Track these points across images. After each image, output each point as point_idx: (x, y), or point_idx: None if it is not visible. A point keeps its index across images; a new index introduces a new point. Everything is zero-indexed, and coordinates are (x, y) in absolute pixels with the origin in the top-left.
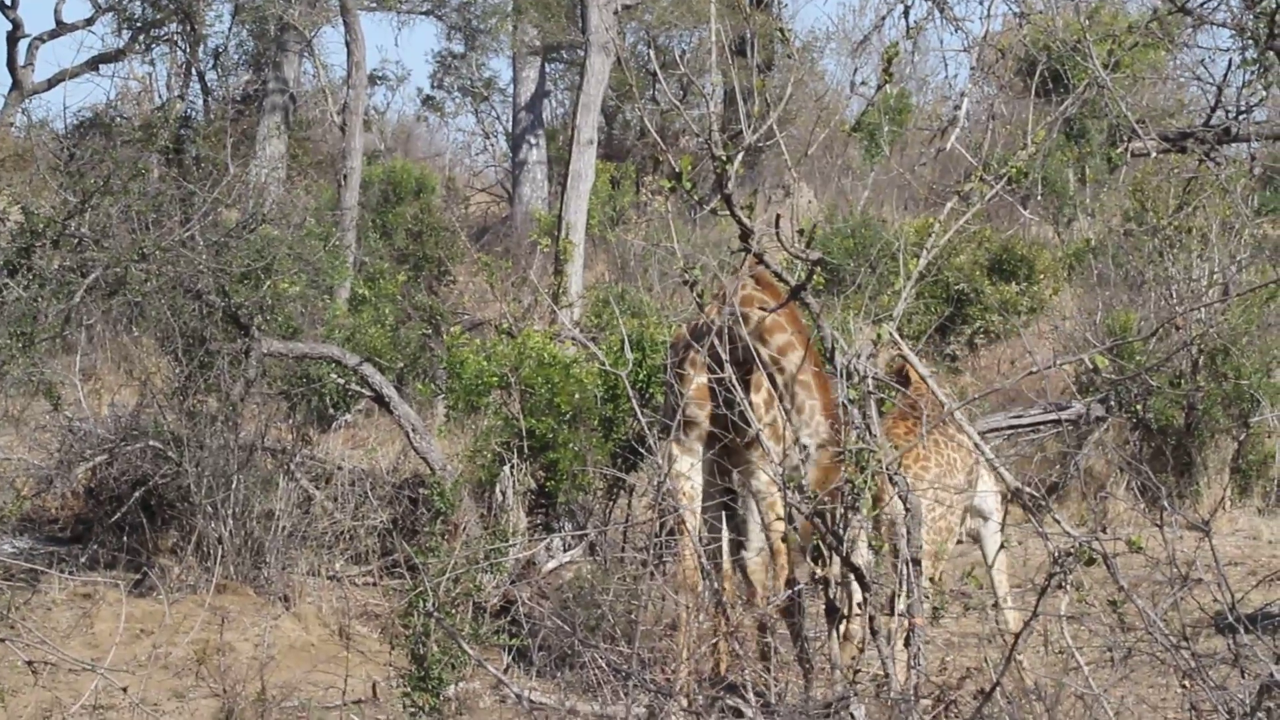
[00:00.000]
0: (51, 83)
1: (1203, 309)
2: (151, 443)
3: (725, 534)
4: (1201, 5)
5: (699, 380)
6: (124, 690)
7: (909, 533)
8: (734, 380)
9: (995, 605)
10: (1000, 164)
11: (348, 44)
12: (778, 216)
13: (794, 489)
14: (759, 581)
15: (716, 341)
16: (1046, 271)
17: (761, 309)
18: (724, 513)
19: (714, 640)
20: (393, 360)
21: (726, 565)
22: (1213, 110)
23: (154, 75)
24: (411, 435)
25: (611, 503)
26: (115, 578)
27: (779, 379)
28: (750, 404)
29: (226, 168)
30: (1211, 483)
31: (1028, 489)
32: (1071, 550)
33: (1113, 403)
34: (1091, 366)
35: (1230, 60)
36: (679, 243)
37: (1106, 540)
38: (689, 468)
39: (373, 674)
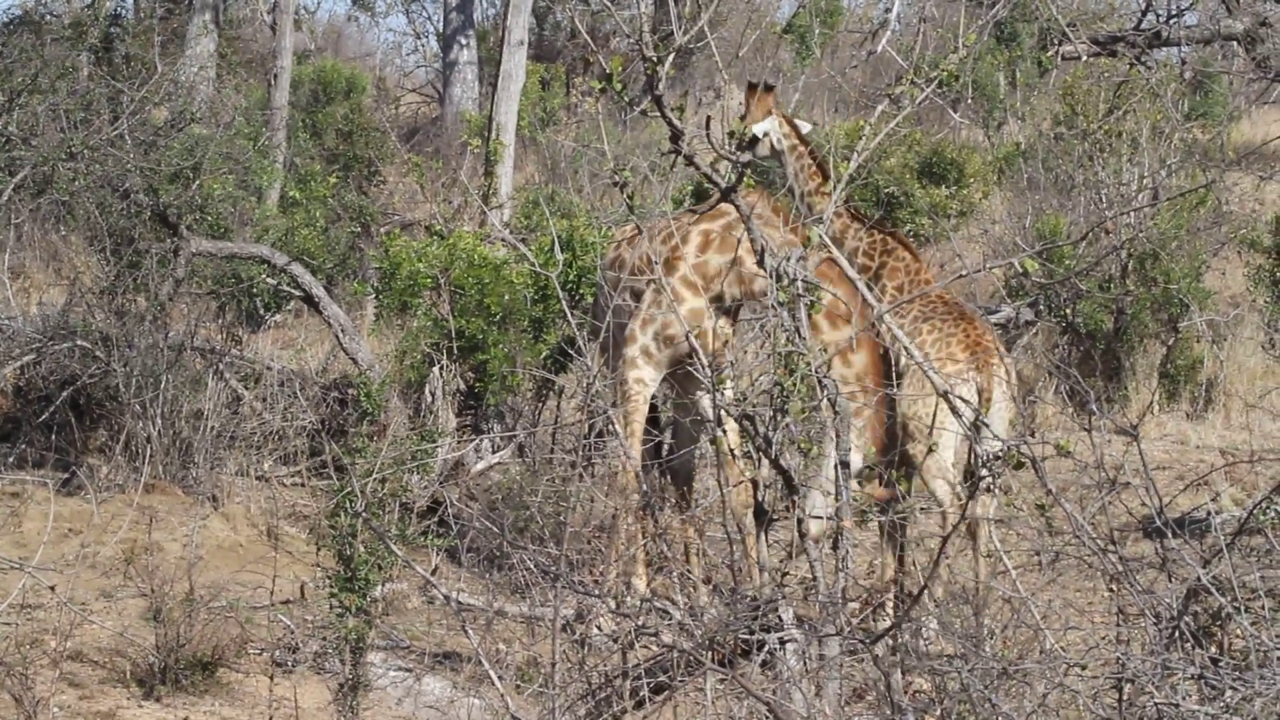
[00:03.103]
0: None
1: (1132, 213)
2: (80, 342)
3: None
4: None
5: (694, 303)
6: (52, 589)
7: (837, 435)
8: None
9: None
10: (931, 67)
11: None
12: (708, 118)
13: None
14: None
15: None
16: (976, 175)
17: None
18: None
19: (643, 543)
20: (323, 261)
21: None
22: (1143, 14)
23: None
24: (340, 336)
25: (540, 404)
26: (43, 476)
27: None
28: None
29: (155, 66)
30: (1140, 387)
31: (956, 393)
32: (1000, 454)
33: (1042, 307)
34: (1021, 270)
35: None
36: (609, 144)
37: (1035, 444)
38: (650, 379)
39: (300, 574)
